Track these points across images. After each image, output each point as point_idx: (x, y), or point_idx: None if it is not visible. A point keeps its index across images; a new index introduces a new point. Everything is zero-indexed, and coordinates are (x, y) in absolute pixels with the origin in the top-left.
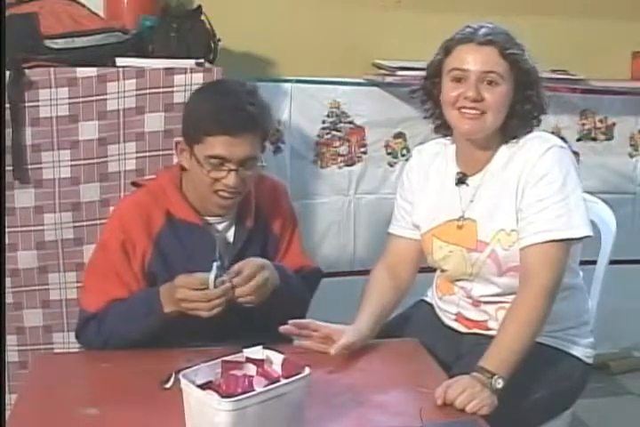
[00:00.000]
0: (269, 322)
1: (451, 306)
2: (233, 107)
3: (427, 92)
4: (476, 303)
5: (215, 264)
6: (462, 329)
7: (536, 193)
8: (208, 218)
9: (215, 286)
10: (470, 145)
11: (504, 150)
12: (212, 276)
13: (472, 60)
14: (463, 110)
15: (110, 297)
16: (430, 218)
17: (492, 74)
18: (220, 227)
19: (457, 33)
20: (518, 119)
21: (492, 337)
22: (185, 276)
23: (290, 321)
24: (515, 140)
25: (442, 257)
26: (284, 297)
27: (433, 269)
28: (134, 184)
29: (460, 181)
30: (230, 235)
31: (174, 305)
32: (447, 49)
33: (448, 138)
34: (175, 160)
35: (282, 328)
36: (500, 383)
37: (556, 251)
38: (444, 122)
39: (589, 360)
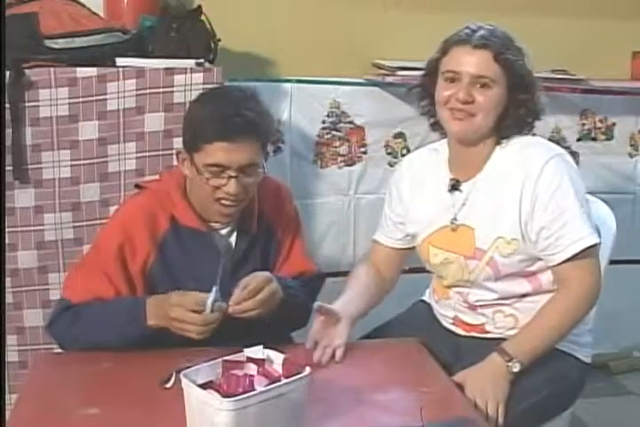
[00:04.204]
0: (271, 331)
1: (448, 310)
2: (230, 113)
3: (424, 89)
4: (473, 307)
5: (215, 288)
6: (461, 332)
7: (555, 207)
8: (211, 224)
9: (212, 311)
10: (463, 148)
11: (498, 154)
12: (210, 299)
13: (465, 62)
14: (454, 111)
15: (94, 294)
16: (425, 226)
17: (483, 78)
18: (222, 232)
19: (456, 33)
20: (511, 122)
21: (490, 340)
22: (181, 294)
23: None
24: (508, 142)
25: (438, 263)
26: (287, 308)
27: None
28: (137, 186)
29: (454, 187)
30: (232, 240)
31: (160, 320)
32: (444, 49)
33: (439, 143)
34: (175, 161)
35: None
36: (516, 367)
37: (591, 256)
38: (439, 120)
39: (588, 360)
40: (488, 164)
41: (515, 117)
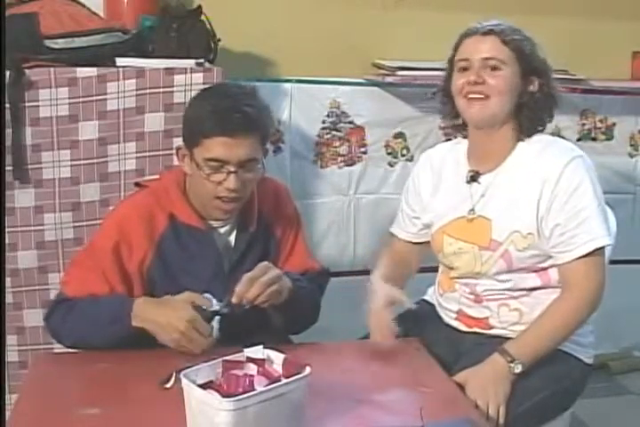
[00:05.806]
0: (284, 326)
1: (452, 303)
2: (230, 108)
3: (446, 93)
4: (479, 299)
5: (214, 301)
6: (463, 328)
7: (573, 205)
8: (210, 222)
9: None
10: (485, 140)
11: (520, 149)
12: (216, 325)
13: (475, 49)
14: (469, 96)
15: (89, 291)
16: (441, 216)
17: (492, 60)
18: (222, 230)
19: (465, 29)
20: (528, 110)
21: (492, 337)
22: (198, 319)
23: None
24: (531, 139)
25: (451, 253)
26: (298, 299)
27: (434, 269)
28: (137, 185)
29: (473, 178)
30: (232, 239)
31: (145, 323)
32: (456, 45)
33: (459, 139)
34: (175, 160)
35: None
36: (519, 368)
37: (600, 257)
38: (463, 121)
39: (589, 360)
40: (509, 158)
41: (531, 105)
